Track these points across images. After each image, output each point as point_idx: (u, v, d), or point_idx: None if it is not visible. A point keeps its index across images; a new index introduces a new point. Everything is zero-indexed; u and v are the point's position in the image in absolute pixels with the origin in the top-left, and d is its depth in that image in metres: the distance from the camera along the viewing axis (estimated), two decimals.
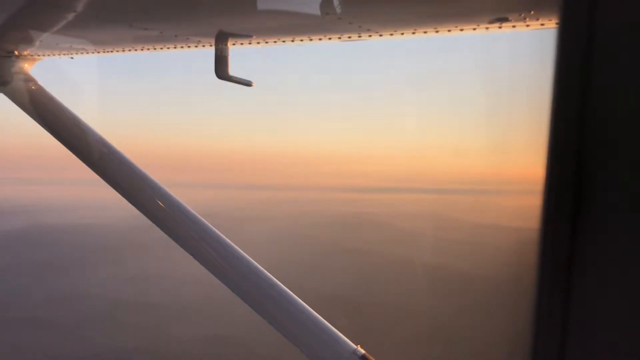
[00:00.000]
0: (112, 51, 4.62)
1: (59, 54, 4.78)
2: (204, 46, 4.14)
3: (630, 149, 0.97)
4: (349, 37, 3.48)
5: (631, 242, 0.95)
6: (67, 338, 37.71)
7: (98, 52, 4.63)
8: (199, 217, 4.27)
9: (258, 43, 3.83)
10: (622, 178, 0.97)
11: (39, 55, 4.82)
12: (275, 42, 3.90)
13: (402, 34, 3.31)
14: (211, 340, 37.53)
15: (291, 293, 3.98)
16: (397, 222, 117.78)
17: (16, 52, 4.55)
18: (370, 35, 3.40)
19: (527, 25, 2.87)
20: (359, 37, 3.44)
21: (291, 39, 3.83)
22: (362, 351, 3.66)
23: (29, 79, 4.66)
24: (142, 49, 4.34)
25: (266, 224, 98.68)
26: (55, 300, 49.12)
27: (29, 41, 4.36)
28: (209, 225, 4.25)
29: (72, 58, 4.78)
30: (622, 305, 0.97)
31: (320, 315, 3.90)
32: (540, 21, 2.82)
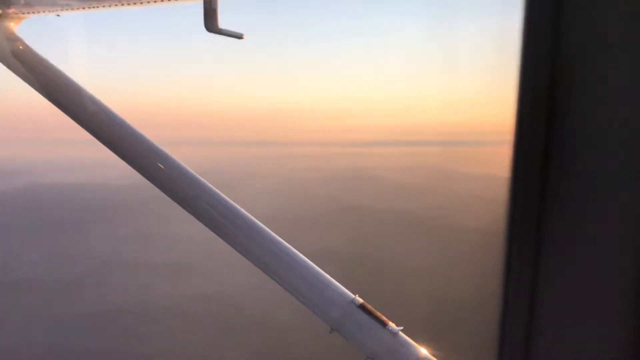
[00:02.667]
0: (97, 7, 4.49)
1: (45, 11, 4.63)
2: None
3: (596, 116, 0.99)
4: None
5: (596, 206, 0.97)
6: (57, 299, 38.29)
7: (84, 8, 4.50)
8: (195, 174, 4.25)
9: None
10: (591, 147, 0.98)
11: (24, 14, 4.66)
12: None
13: None
14: (201, 299, 37.81)
15: (288, 246, 4.03)
16: (395, 176, 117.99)
17: (0, 11, 4.44)
18: None
19: None
20: None
21: None
22: (360, 300, 3.73)
23: (15, 39, 4.54)
24: (128, 4, 4.18)
25: (265, 181, 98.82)
26: (48, 261, 49.52)
27: None
28: (206, 182, 4.24)
29: (58, 15, 4.60)
30: (590, 255, 0.98)
31: (319, 268, 3.97)
32: None
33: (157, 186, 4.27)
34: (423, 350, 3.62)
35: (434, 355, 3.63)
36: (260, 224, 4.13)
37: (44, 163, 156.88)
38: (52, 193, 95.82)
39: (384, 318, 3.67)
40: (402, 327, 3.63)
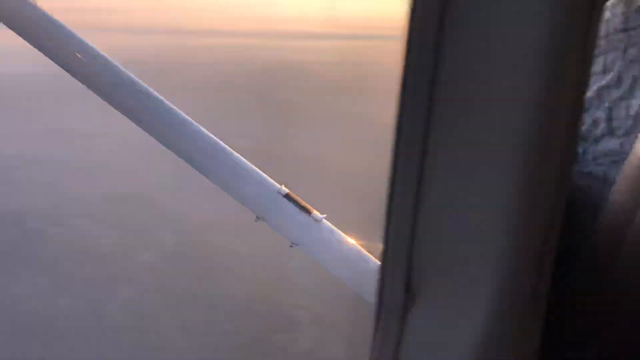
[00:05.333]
0: None
1: None
2: None
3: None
4: None
5: None
6: None
7: None
8: (116, 63, 4.30)
9: None
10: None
11: None
12: None
13: None
14: (114, 200, 35.28)
15: (212, 135, 4.26)
16: (322, 70, 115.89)
17: None
18: None
19: None
20: None
21: None
22: (286, 190, 4.15)
23: None
24: None
25: (187, 73, 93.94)
26: None
27: None
28: (127, 71, 4.30)
29: None
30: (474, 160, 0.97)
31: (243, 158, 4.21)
32: None
33: (75, 77, 4.24)
34: (348, 238, 4.06)
35: (358, 243, 4.03)
36: (183, 114, 4.31)
37: None
38: None
39: (308, 207, 4.08)
40: (325, 215, 4.06)
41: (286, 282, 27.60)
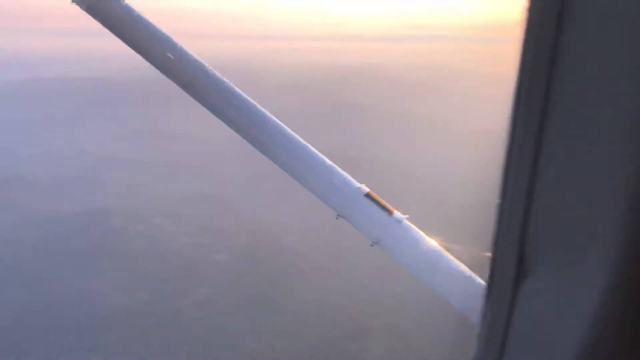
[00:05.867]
0: None
1: None
2: None
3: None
4: None
5: None
6: (50, 196, 37.75)
7: None
8: (205, 63, 4.27)
9: None
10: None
11: None
12: None
13: None
14: (193, 199, 36.81)
15: (295, 134, 4.16)
16: (405, 74, 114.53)
17: None
18: None
19: None
20: None
21: None
22: (367, 189, 3.88)
23: None
24: None
25: (264, 77, 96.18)
26: (43, 157, 49.09)
27: None
28: (220, 75, 4.24)
29: None
30: (590, 160, 0.99)
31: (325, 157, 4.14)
32: None
33: (168, 76, 4.25)
34: (431, 240, 3.80)
35: (443, 247, 3.80)
36: (268, 114, 4.22)
37: (45, 55, 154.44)
38: (52, 87, 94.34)
39: (389, 206, 3.83)
40: (407, 216, 3.79)
41: (359, 289, 26.81)
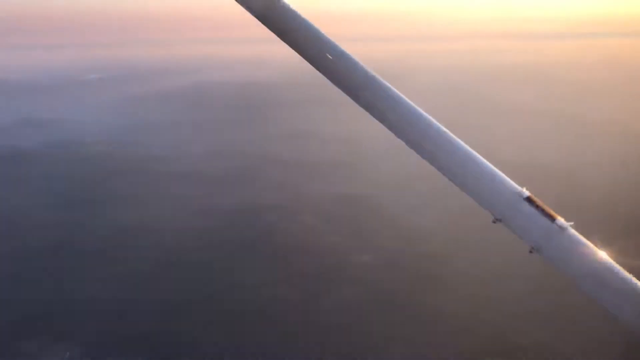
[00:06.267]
0: None
1: None
2: None
3: None
4: None
5: None
6: (212, 191, 40.64)
7: None
8: (363, 64, 4.35)
9: None
10: None
11: None
12: None
13: None
14: (343, 199, 37.67)
15: (456, 137, 4.15)
16: (565, 73, 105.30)
17: None
18: None
19: None
20: None
21: None
22: (528, 193, 3.78)
23: None
24: None
25: (420, 78, 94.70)
26: (209, 155, 53.18)
27: None
28: (375, 74, 4.34)
29: None
30: None
31: (485, 160, 4.09)
32: None
33: (326, 76, 4.42)
34: (600, 252, 3.55)
35: (614, 259, 3.55)
36: (427, 116, 4.24)
37: (211, 61, 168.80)
38: (218, 90, 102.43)
39: (552, 212, 3.66)
40: (572, 223, 3.60)
41: (511, 302, 24.91)
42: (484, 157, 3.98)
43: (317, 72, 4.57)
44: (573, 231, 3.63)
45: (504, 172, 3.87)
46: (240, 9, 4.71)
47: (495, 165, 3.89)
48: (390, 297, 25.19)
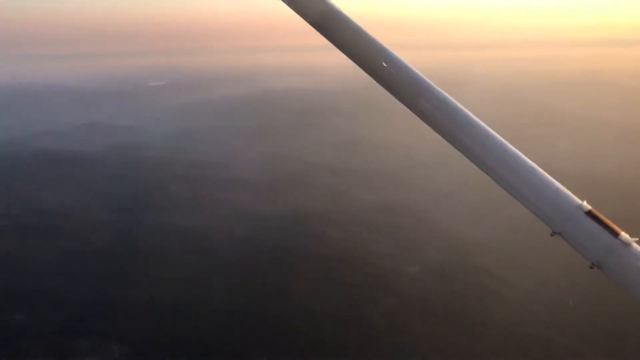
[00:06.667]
0: None
1: None
2: None
3: None
4: None
5: None
6: (260, 197, 41.55)
7: None
8: (419, 73, 4.31)
9: None
10: None
11: None
12: None
13: None
14: (390, 208, 37.92)
15: (513, 148, 4.07)
16: (630, 81, 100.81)
17: None
18: None
19: None
20: None
21: None
22: (589, 207, 3.65)
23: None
24: None
25: (474, 86, 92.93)
26: (262, 162, 54.19)
27: None
28: (430, 81, 4.29)
29: None
30: None
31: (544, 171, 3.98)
32: None
33: (381, 84, 4.41)
34: None
35: None
36: (484, 125, 4.13)
37: (267, 69, 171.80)
38: (271, 98, 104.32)
39: (615, 227, 3.49)
40: (637, 239, 3.43)
41: (564, 320, 24.08)
42: (542, 168, 3.86)
43: (372, 79, 4.59)
44: (638, 247, 3.54)
45: (564, 184, 3.71)
46: (296, 17, 4.76)
47: (555, 177, 3.78)
48: (435, 310, 24.61)
